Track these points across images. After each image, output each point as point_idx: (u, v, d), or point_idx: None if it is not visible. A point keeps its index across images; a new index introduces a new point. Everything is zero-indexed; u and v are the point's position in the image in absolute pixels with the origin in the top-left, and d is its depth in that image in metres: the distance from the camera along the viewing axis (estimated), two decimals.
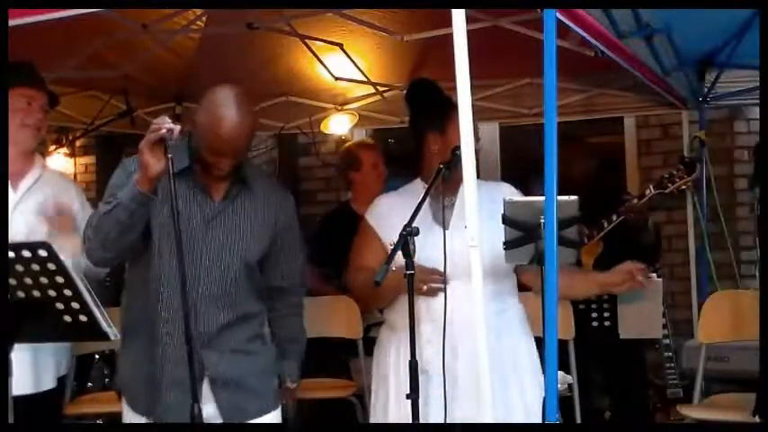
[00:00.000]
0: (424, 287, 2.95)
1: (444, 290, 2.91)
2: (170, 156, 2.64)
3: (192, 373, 2.62)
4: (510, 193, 3.11)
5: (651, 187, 4.56)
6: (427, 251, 2.87)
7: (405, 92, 3.41)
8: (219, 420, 2.90)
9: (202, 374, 2.85)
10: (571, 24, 2.73)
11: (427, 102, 3.20)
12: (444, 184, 2.99)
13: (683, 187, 4.57)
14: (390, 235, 2.91)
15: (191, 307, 2.69)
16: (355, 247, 3.31)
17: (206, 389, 2.88)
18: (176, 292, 2.72)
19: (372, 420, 3.22)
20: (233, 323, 2.94)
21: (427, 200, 2.93)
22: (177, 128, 2.69)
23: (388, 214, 3.15)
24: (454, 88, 2.45)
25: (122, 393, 3.03)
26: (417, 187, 3.18)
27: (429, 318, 3.02)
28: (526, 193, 3.09)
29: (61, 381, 3.54)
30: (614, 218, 4.58)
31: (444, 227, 3.00)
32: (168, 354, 2.86)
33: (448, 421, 2.87)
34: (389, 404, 3.12)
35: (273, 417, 3.03)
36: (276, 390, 3.08)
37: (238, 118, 2.77)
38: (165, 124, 2.66)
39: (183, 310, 2.62)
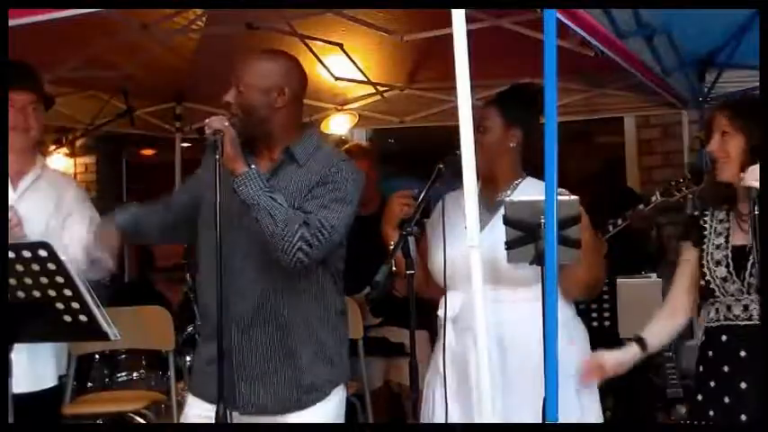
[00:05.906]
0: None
1: (444, 291, 2.92)
2: (217, 157, 2.67)
3: (221, 373, 2.62)
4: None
5: (658, 194, 4.53)
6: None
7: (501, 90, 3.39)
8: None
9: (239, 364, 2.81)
10: (571, 24, 2.73)
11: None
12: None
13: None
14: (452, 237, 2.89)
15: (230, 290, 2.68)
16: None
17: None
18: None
19: (423, 419, 3.13)
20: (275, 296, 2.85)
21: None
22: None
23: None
24: (454, 88, 2.45)
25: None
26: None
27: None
28: None
29: (61, 380, 3.54)
30: (620, 222, 4.57)
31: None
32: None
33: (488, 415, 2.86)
34: (437, 402, 3.03)
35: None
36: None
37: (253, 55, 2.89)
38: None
39: (217, 299, 2.63)
